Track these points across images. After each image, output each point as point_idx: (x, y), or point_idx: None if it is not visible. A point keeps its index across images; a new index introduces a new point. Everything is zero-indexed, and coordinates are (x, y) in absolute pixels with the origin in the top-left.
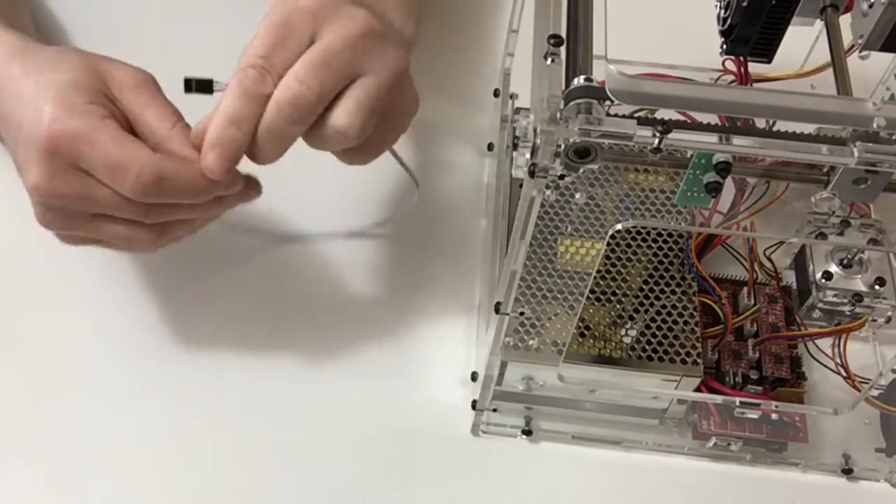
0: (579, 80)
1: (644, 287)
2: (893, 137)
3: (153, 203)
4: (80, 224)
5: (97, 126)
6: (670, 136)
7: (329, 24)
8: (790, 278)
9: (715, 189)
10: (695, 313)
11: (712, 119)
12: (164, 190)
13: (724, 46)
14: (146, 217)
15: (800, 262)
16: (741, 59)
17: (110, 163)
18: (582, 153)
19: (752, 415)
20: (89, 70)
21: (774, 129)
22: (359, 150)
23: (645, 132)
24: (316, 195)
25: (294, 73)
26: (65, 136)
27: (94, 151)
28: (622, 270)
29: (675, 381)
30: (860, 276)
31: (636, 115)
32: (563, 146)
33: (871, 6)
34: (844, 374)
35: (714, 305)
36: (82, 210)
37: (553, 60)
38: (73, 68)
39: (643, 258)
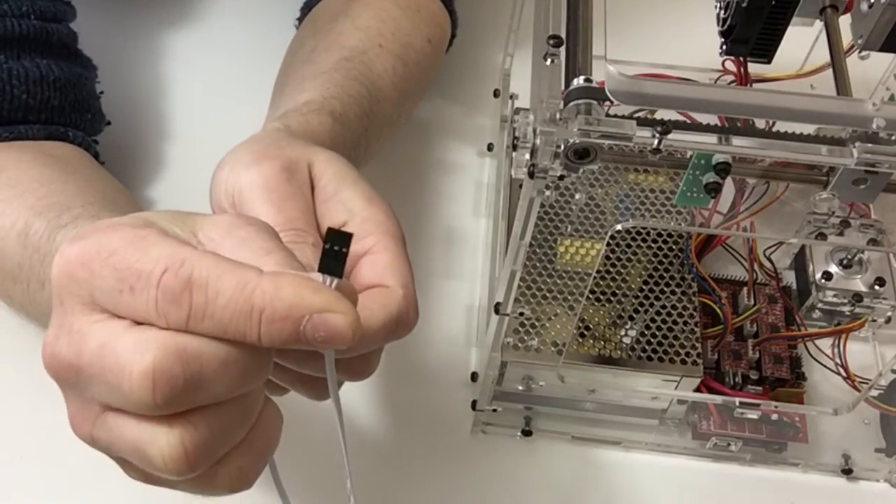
0: (579, 81)
1: (644, 287)
2: (893, 138)
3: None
4: (87, 414)
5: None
6: (670, 136)
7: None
8: (790, 278)
9: (714, 189)
10: (695, 313)
11: (712, 119)
12: (196, 300)
13: (724, 46)
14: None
15: (800, 262)
16: (741, 59)
17: (123, 268)
18: (581, 154)
19: (752, 415)
20: (173, 214)
21: (774, 129)
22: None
23: (644, 133)
24: None
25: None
26: (80, 248)
27: (107, 262)
28: (622, 270)
29: (675, 381)
30: (860, 276)
31: (636, 115)
32: (562, 147)
33: (870, 6)
34: (844, 374)
35: (714, 305)
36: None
37: (553, 61)
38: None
39: (643, 258)
